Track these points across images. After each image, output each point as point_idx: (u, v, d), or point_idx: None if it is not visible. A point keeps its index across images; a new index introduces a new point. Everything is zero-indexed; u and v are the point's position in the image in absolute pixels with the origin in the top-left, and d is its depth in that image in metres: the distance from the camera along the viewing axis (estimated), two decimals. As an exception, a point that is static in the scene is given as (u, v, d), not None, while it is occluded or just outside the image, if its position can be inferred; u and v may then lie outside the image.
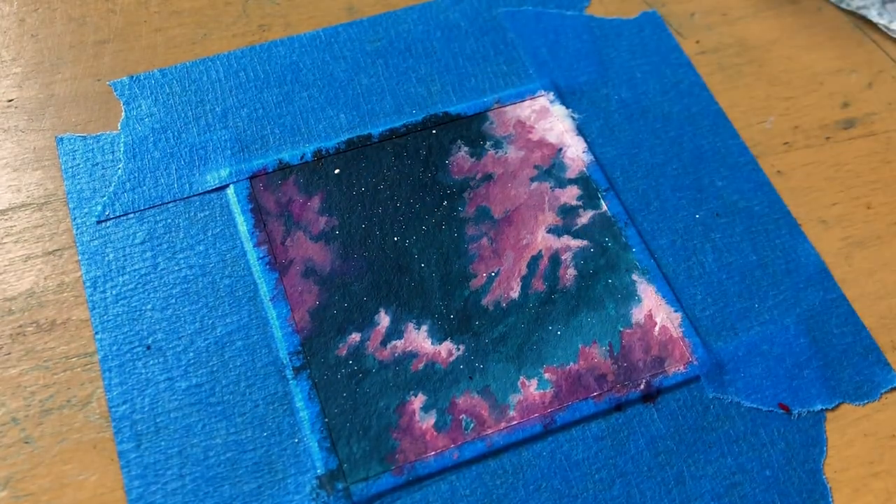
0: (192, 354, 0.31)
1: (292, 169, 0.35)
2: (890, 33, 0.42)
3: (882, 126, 0.39)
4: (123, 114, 0.36)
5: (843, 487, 0.30)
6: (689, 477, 0.30)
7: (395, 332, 0.32)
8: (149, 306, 0.32)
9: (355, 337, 0.32)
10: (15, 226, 0.33)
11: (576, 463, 0.30)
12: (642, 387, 0.31)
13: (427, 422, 0.30)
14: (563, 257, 0.34)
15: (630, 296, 0.33)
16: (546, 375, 0.31)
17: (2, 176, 0.34)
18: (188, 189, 0.34)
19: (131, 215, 0.33)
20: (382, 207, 0.34)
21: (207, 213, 0.34)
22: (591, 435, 0.31)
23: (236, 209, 0.34)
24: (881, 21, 0.42)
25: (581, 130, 0.37)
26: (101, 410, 0.30)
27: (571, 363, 0.32)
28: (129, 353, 0.31)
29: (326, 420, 0.30)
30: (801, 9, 0.43)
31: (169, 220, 0.33)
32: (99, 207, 0.33)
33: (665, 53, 0.40)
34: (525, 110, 0.38)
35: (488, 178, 0.36)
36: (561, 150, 0.37)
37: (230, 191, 0.34)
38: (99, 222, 0.33)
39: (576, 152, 0.37)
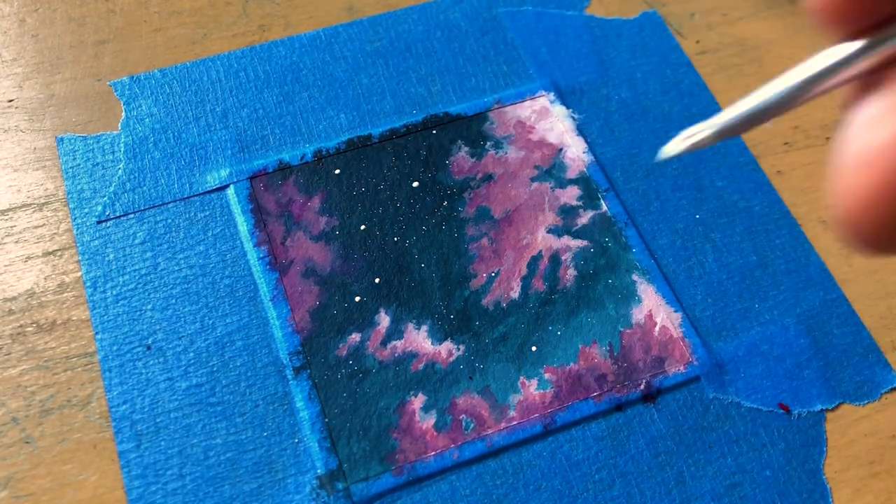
0: (192, 354, 0.31)
1: (292, 169, 0.35)
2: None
3: (882, 126, 0.39)
4: (123, 114, 0.36)
5: (843, 487, 0.30)
6: (690, 477, 0.30)
7: (395, 332, 0.32)
8: (149, 306, 0.32)
9: (355, 337, 0.32)
10: (15, 226, 0.33)
11: (576, 463, 0.30)
12: (642, 387, 0.31)
13: (427, 422, 0.30)
14: (563, 257, 0.34)
15: (630, 296, 0.33)
16: (546, 375, 0.31)
17: (2, 176, 0.34)
18: (188, 189, 0.34)
19: (131, 215, 0.33)
20: (382, 207, 0.34)
21: (207, 213, 0.34)
22: (591, 435, 0.31)
23: (236, 209, 0.34)
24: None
25: (581, 130, 0.37)
26: (102, 410, 0.30)
27: (571, 363, 0.32)
28: (130, 353, 0.31)
29: (326, 420, 0.30)
30: (801, 9, 0.43)
31: (169, 221, 0.33)
32: (99, 207, 0.33)
33: (665, 53, 0.40)
34: (525, 110, 0.38)
35: (488, 178, 0.36)
36: (561, 150, 0.37)
37: (230, 191, 0.34)
38: (99, 222, 0.33)
39: (576, 152, 0.37)
